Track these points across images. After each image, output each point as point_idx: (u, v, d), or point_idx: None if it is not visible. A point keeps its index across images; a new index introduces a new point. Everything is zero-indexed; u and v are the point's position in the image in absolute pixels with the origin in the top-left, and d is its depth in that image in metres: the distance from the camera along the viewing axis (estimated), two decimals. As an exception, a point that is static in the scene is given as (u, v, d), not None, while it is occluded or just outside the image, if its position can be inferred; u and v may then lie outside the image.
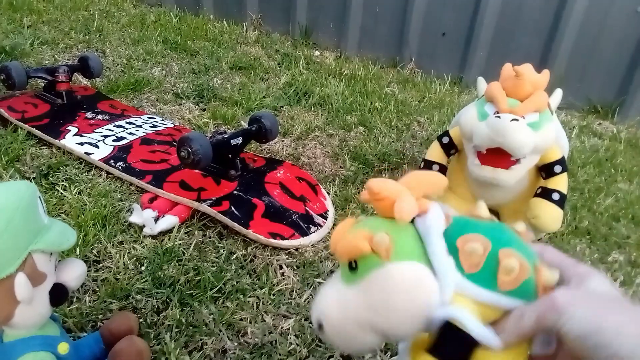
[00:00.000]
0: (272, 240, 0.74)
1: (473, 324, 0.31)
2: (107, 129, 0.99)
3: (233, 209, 0.77)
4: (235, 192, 0.80)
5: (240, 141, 0.85)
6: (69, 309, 0.59)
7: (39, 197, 0.44)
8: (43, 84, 1.10)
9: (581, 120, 1.53)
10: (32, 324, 0.44)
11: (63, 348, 0.45)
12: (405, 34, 1.82)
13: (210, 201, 0.78)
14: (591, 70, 1.62)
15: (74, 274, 0.46)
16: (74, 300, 0.60)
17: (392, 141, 1.15)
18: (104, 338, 0.54)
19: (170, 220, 0.75)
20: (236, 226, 0.75)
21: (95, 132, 0.97)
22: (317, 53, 1.89)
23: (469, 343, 0.31)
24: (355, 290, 0.34)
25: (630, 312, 0.27)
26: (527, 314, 0.30)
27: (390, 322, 0.33)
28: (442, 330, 0.31)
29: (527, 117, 0.69)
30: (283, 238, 0.75)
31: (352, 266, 0.34)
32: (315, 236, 0.78)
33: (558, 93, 0.76)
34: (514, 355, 0.32)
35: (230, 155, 0.84)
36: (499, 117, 0.68)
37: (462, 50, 1.74)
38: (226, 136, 0.83)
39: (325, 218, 0.84)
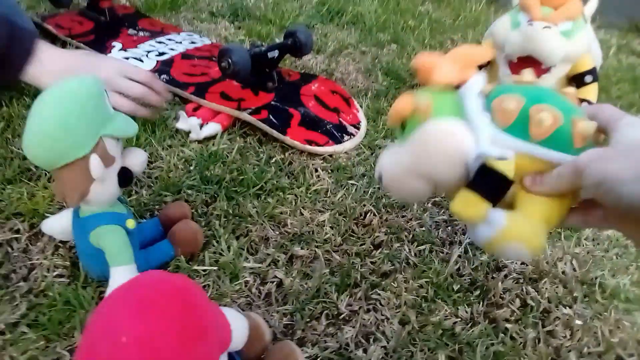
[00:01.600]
0: (307, 147, 0.79)
1: (498, 158, 0.37)
2: (150, 45, 1.03)
3: (271, 117, 0.82)
4: (272, 102, 0.85)
5: (277, 54, 0.88)
6: (129, 199, 0.66)
7: (105, 91, 0.49)
8: (86, 2, 1.14)
9: (620, 39, 1.49)
10: (104, 200, 0.50)
11: (131, 223, 0.52)
12: (441, -50, 1.75)
13: (249, 110, 0.83)
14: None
15: (137, 160, 0.53)
16: (133, 193, 0.68)
17: (425, 58, 1.16)
18: (162, 222, 0.61)
19: (213, 127, 0.81)
20: (274, 133, 0.80)
21: (139, 48, 1.02)
22: (350, -29, 1.85)
23: (502, 179, 0.37)
24: (405, 146, 0.41)
25: (635, 158, 0.31)
26: (561, 173, 0.36)
27: (431, 167, 0.40)
28: (478, 169, 0.37)
29: (559, 25, 0.70)
30: (318, 145, 0.80)
31: (402, 128, 0.43)
32: (348, 144, 0.83)
33: (593, 2, 0.76)
34: (555, 200, 0.38)
35: (267, 68, 0.88)
36: (531, 24, 0.69)
37: (501, -35, 1.68)
38: (263, 49, 0.87)
39: (358, 128, 0.88)
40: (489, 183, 0.37)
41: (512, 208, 0.40)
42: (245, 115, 0.83)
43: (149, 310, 0.28)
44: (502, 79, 0.76)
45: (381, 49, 1.20)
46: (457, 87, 0.41)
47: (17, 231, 0.60)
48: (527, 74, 0.41)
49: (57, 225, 0.56)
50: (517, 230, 0.37)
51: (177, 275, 0.31)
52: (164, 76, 0.92)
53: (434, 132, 0.39)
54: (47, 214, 0.61)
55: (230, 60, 0.80)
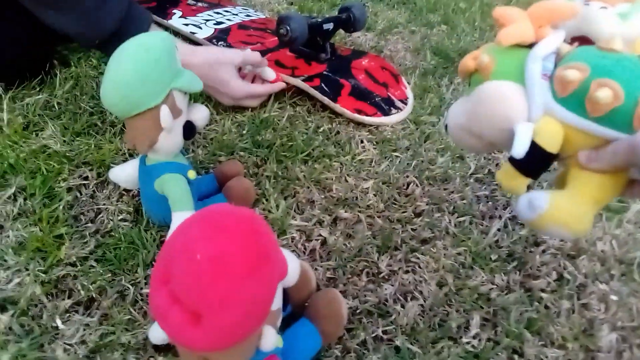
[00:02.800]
0: (356, 115, 0.82)
1: (524, 133, 0.36)
2: (208, 14, 1.08)
3: (323, 85, 0.85)
4: (325, 72, 0.88)
5: (332, 26, 0.90)
6: (186, 157, 0.70)
7: (176, 47, 0.53)
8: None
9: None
10: (170, 149, 0.55)
11: (192, 174, 0.56)
12: None
13: (303, 77, 0.86)
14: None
15: (200, 115, 0.57)
16: (190, 152, 0.72)
17: (475, 40, 1.16)
18: (217, 178, 0.65)
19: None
20: (325, 100, 0.83)
21: (198, 16, 1.06)
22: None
23: (543, 155, 0.37)
24: (466, 102, 0.41)
25: None
26: (617, 149, 0.35)
27: (480, 128, 0.41)
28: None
29: (617, 7, 0.69)
30: (366, 115, 0.83)
31: (469, 84, 0.43)
32: (395, 117, 0.85)
33: (654, -16, 0.74)
34: (611, 176, 0.37)
35: (321, 40, 0.91)
36: (587, 4, 0.69)
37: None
38: (319, 20, 0.89)
39: (405, 104, 0.90)
40: (529, 157, 0.37)
41: (564, 181, 0.40)
42: (298, 82, 0.86)
43: (221, 233, 0.32)
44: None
45: (431, 29, 1.20)
46: (532, 45, 0.40)
47: (86, 178, 0.65)
48: (617, 42, 0.38)
49: (123, 174, 0.61)
50: (559, 214, 0.36)
51: (245, 208, 0.34)
52: (221, 43, 0.96)
53: (485, 94, 0.40)
54: (112, 164, 0.66)
55: (288, 27, 0.83)
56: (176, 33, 1.02)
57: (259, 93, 0.83)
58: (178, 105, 0.52)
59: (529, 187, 0.41)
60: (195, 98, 0.83)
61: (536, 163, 0.38)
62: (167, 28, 1.03)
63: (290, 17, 0.84)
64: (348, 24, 0.96)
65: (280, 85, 0.85)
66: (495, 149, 0.45)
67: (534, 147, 0.37)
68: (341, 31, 0.97)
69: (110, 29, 0.70)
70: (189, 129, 0.55)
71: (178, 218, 0.54)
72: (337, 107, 0.83)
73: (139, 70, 0.48)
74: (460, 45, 1.11)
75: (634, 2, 0.71)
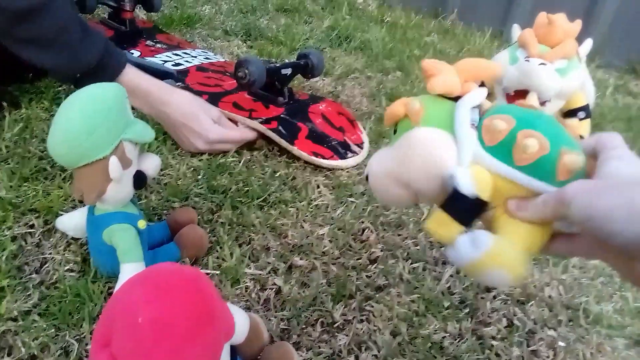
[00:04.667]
0: (313, 158, 0.83)
1: (465, 183, 0.37)
2: (166, 55, 1.08)
3: (281, 128, 0.86)
4: (282, 115, 0.89)
5: (290, 72, 0.92)
6: (139, 203, 0.69)
7: (127, 98, 0.53)
8: (108, 13, 1.19)
9: (618, 80, 1.54)
10: (119, 200, 0.53)
11: (142, 224, 0.55)
12: (449, -15, 1.82)
13: (260, 119, 0.87)
14: (634, 30, 1.61)
15: (151, 164, 0.56)
16: (143, 197, 0.71)
17: (428, 86, 1.21)
18: (170, 226, 0.64)
19: None
20: (283, 142, 0.84)
21: (156, 57, 1.06)
22: (360, 0, 1.92)
23: (475, 202, 0.37)
24: (393, 148, 0.42)
25: (625, 195, 0.30)
26: (546, 202, 0.35)
27: (410, 176, 0.40)
28: (453, 189, 0.37)
29: (555, 63, 0.74)
30: (323, 158, 0.84)
31: (395, 131, 0.43)
32: (351, 161, 0.87)
33: (588, 43, 0.80)
34: (538, 227, 0.37)
35: (279, 85, 0.92)
36: (528, 60, 0.73)
37: (505, 3, 1.74)
38: (278, 65, 0.91)
39: (361, 148, 0.92)
40: (462, 205, 0.37)
41: (490, 229, 0.40)
42: (255, 124, 0.86)
43: (163, 295, 0.31)
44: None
45: (386, 75, 1.24)
46: (458, 98, 0.41)
47: (32, 226, 0.63)
48: (532, 98, 0.40)
49: (71, 222, 0.59)
50: (503, 255, 0.36)
51: (190, 267, 0.34)
52: (179, 84, 0.96)
53: (415, 140, 0.39)
54: (60, 212, 0.64)
55: (247, 71, 0.85)
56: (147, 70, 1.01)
57: (233, 138, 0.84)
58: (128, 156, 0.51)
59: None
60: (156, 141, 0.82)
61: (469, 209, 0.38)
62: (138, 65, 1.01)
63: (249, 60, 0.85)
64: (306, 70, 0.98)
65: (254, 133, 0.86)
66: (419, 201, 0.44)
67: (467, 196, 0.37)
68: (300, 75, 0.99)
69: (90, 63, 0.71)
70: (140, 179, 0.54)
71: (127, 270, 0.53)
72: (295, 149, 0.84)
73: (88, 121, 0.47)
74: (414, 91, 1.15)
75: (569, 58, 0.76)
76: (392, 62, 1.32)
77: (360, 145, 0.93)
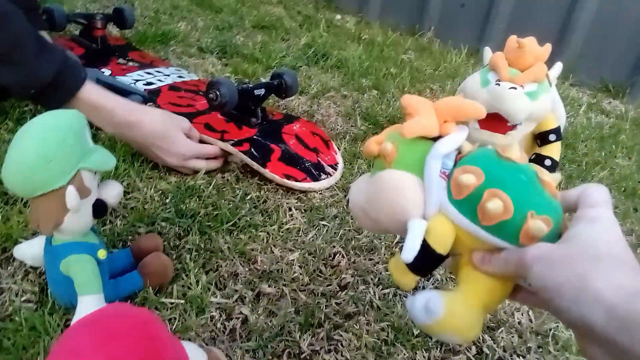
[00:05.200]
0: (286, 181, 0.82)
1: (414, 237, 0.36)
2: (138, 74, 1.06)
3: (253, 150, 0.85)
4: (255, 136, 0.88)
5: (263, 92, 0.92)
6: (102, 229, 0.67)
7: (87, 125, 0.51)
8: (79, 30, 1.17)
9: (591, 98, 1.57)
10: (77, 230, 0.52)
11: (102, 254, 0.54)
12: (426, 3, 1.84)
13: (232, 141, 0.85)
14: (607, 49, 1.64)
15: (112, 192, 0.54)
16: (107, 222, 0.69)
17: (403, 105, 1.21)
18: (134, 254, 0.62)
19: None
20: (255, 165, 0.83)
21: (127, 76, 1.05)
22: (338, 17, 1.93)
23: (433, 255, 0.37)
24: (368, 183, 0.42)
25: (578, 272, 0.30)
26: (507, 261, 0.35)
27: (377, 217, 0.40)
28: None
29: (525, 87, 0.74)
30: (296, 180, 0.83)
31: (371, 165, 0.43)
32: (325, 183, 0.86)
33: (558, 66, 0.81)
34: (501, 280, 0.37)
35: (252, 105, 0.91)
36: (498, 84, 0.74)
37: (481, 22, 1.77)
38: (250, 86, 0.90)
39: (335, 169, 0.91)
40: (419, 256, 0.36)
41: (456, 274, 0.40)
42: (227, 146, 0.85)
43: (110, 341, 0.30)
44: (470, 132, 0.80)
45: (362, 94, 1.24)
46: (437, 138, 0.40)
47: (-11, 254, 0.61)
48: (514, 151, 0.37)
49: (29, 251, 0.57)
50: (453, 321, 0.36)
51: (140, 309, 0.33)
52: (150, 104, 0.95)
53: (383, 184, 0.39)
54: (20, 239, 0.62)
55: (218, 92, 0.84)
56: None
57: (208, 152, 0.83)
58: (86, 185, 0.50)
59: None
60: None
61: (426, 263, 0.38)
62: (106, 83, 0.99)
63: (220, 82, 0.84)
64: (280, 90, 0.98)
65: (228, 146, 0.85)
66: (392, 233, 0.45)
67: (425, 246, 0.37)
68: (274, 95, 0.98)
69: (46, 79, 0.69)
70: (100, 208, 0.52)
71: (85, 302, 0.51)
72: (267, 172, 0.83)
73: (43, 150, 0.46)
74: (389, 111, 1.15)
75: (539, 82, 0.77)
76: (369, 80, 1.32)
77: (334, 166, 0.93)
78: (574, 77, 1.66)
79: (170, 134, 0.80)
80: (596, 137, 1.25)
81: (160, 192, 0.77)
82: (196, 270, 0.64)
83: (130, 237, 0.68)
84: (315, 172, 0.88)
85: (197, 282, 0.62)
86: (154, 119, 0.80)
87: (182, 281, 0.62)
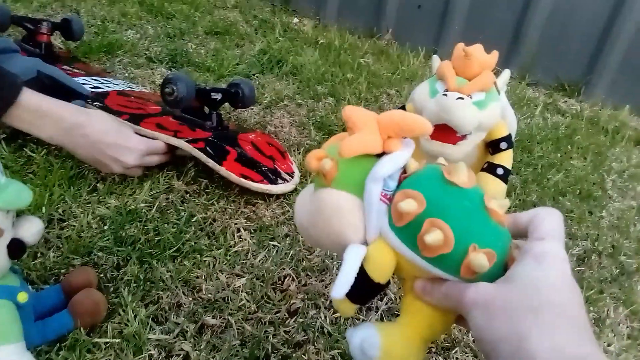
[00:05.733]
0: (242, 180, 0.79)
1: (350, 264, 0.34)
2: (84, 79, 1.00)
3: (208, 148, 0.81)
4: (210, 138, 0.84)
5: (220, 97, 0.88)
6: (33, 263, 0.62)
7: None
8: (22, 35, 1.10)
9: (547, 98, 1.58)
10: (-9, 274, 0.47)
11: (22, 297, 0.49)
12: (383, 5, 1.83)
13: (186, 139, 0.82)
14: (562, 48, 1.65)
15: (32, 230, 0.50)
16: (38, 255, 0.64)
17: (359, 112, 1.19)
18: (65, 290, 0.58)
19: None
20: (210, 162, 0.79)
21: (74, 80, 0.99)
22: (295, 20, 1.90)
23: (371, 284, 0.35)
24: (310, 200, 0.39)
25: (516, 329, 0.28)
26: (448, 296, 0.34)
27: (316, 235, 0.39)
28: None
29: (473, 96, 0.73)
30: (253, 181, 0.80)
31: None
32: (282, 187, 0.83)
33: (505, 73, 0.80)
34: (442, 311, 0.36)
35: (208, 108, 0.88)
36: (445, 95, 0.72)
37: (438, 23, 1.77)
38: (208, 87, 0.87)
39: (292, 177, 0.88)
40: (357, 285, 0.34)
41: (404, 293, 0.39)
42: (181, 142, 0.81)
43: None
44: (421, 142, 0.78)
45: (317, 102, 1.22)
46: (382, 154, 0.37)
47: None
48: (460, 175, 0.34)
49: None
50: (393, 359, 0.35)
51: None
52: (96, 103, 0.89)
53: (321, 205, 0.37)
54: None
55: (175, 87, 0.80)
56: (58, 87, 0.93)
57: (158, 148, 0.81)
58: (-1, 225, 0.45)
59: None
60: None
61: (364, 292, 0.36)
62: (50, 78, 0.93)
63: (177, 77, 0.81)
64: (236, 98, 0.94)
65: (183, 143, 0.81)
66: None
67: (363, 274, 0.35)
68: (226, 106, 0.95)
69: None
70: (16, 248, 0.48)
71: (3, 352, 0.46)
72: (222, 170, 0.79)
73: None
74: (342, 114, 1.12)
75: (487, 91, 0.75)
76: (325, 87, 1.30)
77: (290, 174, 0.90)
78: (530, 76, 1.67)
79: (123, 129, 0.78)
80: (552, 138, 1.25)
81: (99, 218, 0.72)
82: (134, 304, 0.60)
83: (63, 271, 0.63)
84: (272, 176, 0.85)
85: (135, 317, 0.58)
86: (102, 117, 0.77)
87: (119, 317, 0.58)
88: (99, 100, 0.91)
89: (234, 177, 0.79)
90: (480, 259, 0.32)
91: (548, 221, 0.34)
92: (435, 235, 0.32)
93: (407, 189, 0.35)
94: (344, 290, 0.34)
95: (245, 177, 0.80)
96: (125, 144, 0.76)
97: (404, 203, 0.34)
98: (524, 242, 0.35)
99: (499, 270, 0.34)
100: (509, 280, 0.32)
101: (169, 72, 1.25)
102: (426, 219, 0.33)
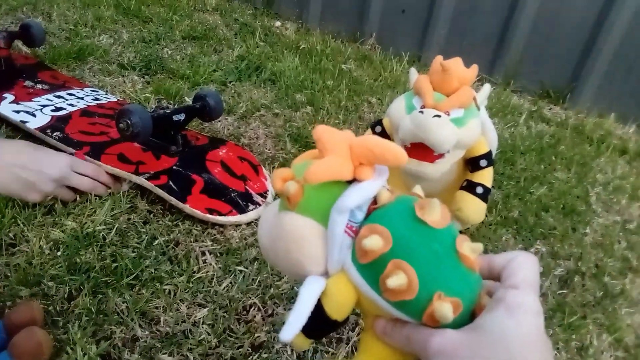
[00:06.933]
0: (208, 216, 0.75)
1: (304, 303, 0.32)
2: (46, 99, 0.96)
3: (171, 183, 0.77)
4: (174, 167, 0.80)
5: (183, 117, 0.84)
6: (-26, 296, 0.58)
7: None
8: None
9: (532, 105, 1.55)
10: None
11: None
12: (366, 8, 1.79)
13: (147, 175, 0.78)
14: (547, 54, 1.63)
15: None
16: (-17, 286, 0.60)
17: (338, 122, 1.15)
18: (7, 328, 0.53)
19: None
20: (173, 200, 0.75)
21: (34, 101, 0.95)
22: (278, 24, 1.85)
23: (327, 320, 0.33)
24: (272, 223, 0.36)
25: None
26: (409, 340, 0.32)
27: (276, 260, 0.36)
28: None
29: (451, 113, 0.69)
30: (220, 214, 0.76)
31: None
32: (253, 214, 0.79)
33: (486, 88, 0.76)
34: (402, 353, 0.34)
35: (172, 131, 0.84)
36: (422, 112, 0.68)
37: (422, 28, 1.73)
38: (168, 111, 0.83)
39: (265, 197, 0.85)
40: (313, 319, 0.32)
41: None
42: (142, 180, 0.77)
43: None
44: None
45: (295, 111, 1.17)
46: (352, 181, 0.34)
47: None
48: (433, 213, 0.32)
49: None
50: None
51: None
52: (56, 134, 0.85)
53: (285, 230, 0.34)
54: None
55: (129, 121, 0.75)
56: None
57: (86, 170, 0.77)
58: None
59: None
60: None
61: (320, 327, 0.34)
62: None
63: (131, 110, 0.76)
64: (203, 112, 0.90)
65: (144, 181, 0.78)
66: None
67: (320, 309, 0.33)
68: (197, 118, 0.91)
69: None
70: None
71: None
72: (187, 207, 0.75)
73: None
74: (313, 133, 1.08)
75: (466, 107, 0.72)
76: (303, 95, 1.26)
77: (264, 194, 0.86)
78: (515, 82, 1.64)
79: (39, 148, 0.75)
80: (536, 149, 1.22)
81: (53, 242, 0.68)
82: (84, 341, 0.56)
83: (9, 302, 0.59)
84: (243, 202, 0.81)
85: (84, 355, 0.54)
86: (16, 142, 0.75)
87: (66, 356, 0.54)
88: (60, 128, 0.87)
89: (199, 214, 0.76)
90: (444, 309, 0.29)
91: (524, 269, 0.32)
92: (398, 280, 0.30)
93: (374, 224, 0.32)
94: (294, 332, 0.31)
95: (212, 212, 0.76)
96: (47, 159, 0.73)
97: (368, 240, 0.31)
98: (497, 284, 0.33)
99: (465, 318, 0.31)
100: (477, 330, 0.30)
101: (141, 79, 1.20)
102: (391, 260, 0.31)
